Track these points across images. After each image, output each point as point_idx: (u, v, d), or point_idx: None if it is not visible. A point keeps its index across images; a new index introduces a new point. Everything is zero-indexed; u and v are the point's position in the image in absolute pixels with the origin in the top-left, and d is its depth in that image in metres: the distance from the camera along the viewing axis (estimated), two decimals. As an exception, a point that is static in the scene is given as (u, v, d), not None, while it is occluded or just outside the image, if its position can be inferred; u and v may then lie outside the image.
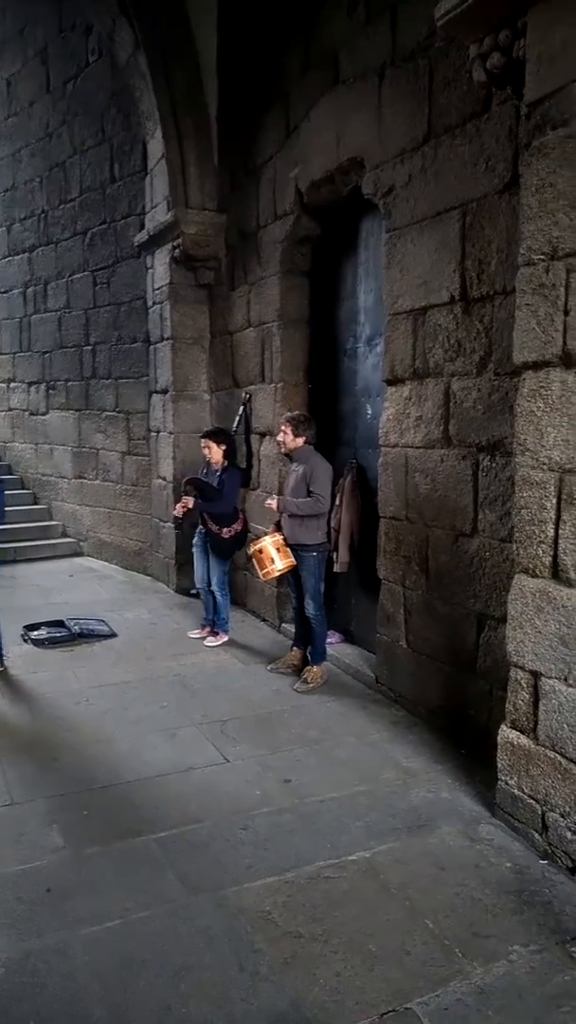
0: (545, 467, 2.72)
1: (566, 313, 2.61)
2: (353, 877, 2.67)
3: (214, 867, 2.73)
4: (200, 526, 5.25)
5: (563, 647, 2.69)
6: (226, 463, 5.15)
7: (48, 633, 5.37)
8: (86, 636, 5.41)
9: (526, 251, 2.74)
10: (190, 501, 5.01)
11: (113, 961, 2.27)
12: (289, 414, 4.60)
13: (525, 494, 2.81)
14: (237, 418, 5.94)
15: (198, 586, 5.42)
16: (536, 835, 2.83)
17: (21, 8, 8.32)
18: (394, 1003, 2.12)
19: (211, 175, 6.14)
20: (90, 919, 2.45)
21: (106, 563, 8.07)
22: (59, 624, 5.53)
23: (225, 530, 5.09)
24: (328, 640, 4.76)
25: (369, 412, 4.74)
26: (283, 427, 4.50)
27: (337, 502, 4.65)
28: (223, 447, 5.15)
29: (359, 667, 4.64)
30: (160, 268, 6.69)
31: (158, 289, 6.78)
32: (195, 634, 5.47)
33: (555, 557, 2.71)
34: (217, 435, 5.22)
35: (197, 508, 5.04)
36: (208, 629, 5.41)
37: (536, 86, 2.64)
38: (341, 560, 4.71)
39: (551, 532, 2.72)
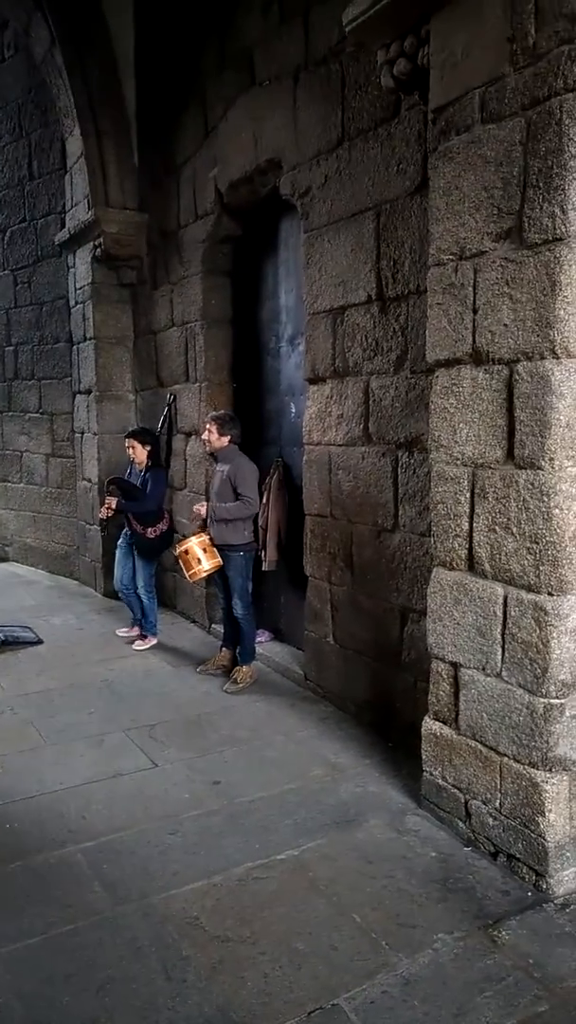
0: (459, 462, 2.79)
1: (475, 312, 2.68)
2: (282, 876, 2.68)
3: (141, 875, 2.70)
4: (126, 527, 5.19)
5: (480, 637, 2.76)
6: (150, 463, 5.13)
7: (-29, 643, 5.21)
8: (11, 643, 5.26)
9: (436, 252, 2.81)
10: (114, 502, 4.96)
11: (36, 978, 2.22)
12: (214, 413, 4.59)
13: (440, 489, 2.88)
14: (162, 418, 5.89)
15: (116, 587, 5.36)
16: (460, 823, 2.91)
17: None
18: (321, 1000, 2.13)
19: (131, 174, 6.07)
20: (12, 936, 2.39)
21: (32, 568, 7.88)
22: (-17, 633, 5.38)
23: (150, 530, 5.06)
24: (257, 639, 4.76)
25: (293, 411, 4.77)
26: (208, 426, 4.48)
27: (264, 501, 4.65)
28: (147, 447, 5.14)
29: (288, 665, 4.67)
30: (82, 267, 6.57)
31: (80, 288, 6.66)
32: (123, 631, 5.41)
33: (470, 550, 2.79)
34: (141, 435, 5.21)
35: (121, 509, 4.99)
36: (136, 627, 5.35)
37: (440, 93, 2.71)
38: (269, 559, 4.72)
39: (466, 526, 2.79)
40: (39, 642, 5.35)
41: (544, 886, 2.58)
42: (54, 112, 6.50)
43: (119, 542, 5.32)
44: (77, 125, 5.96)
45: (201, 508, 4.50)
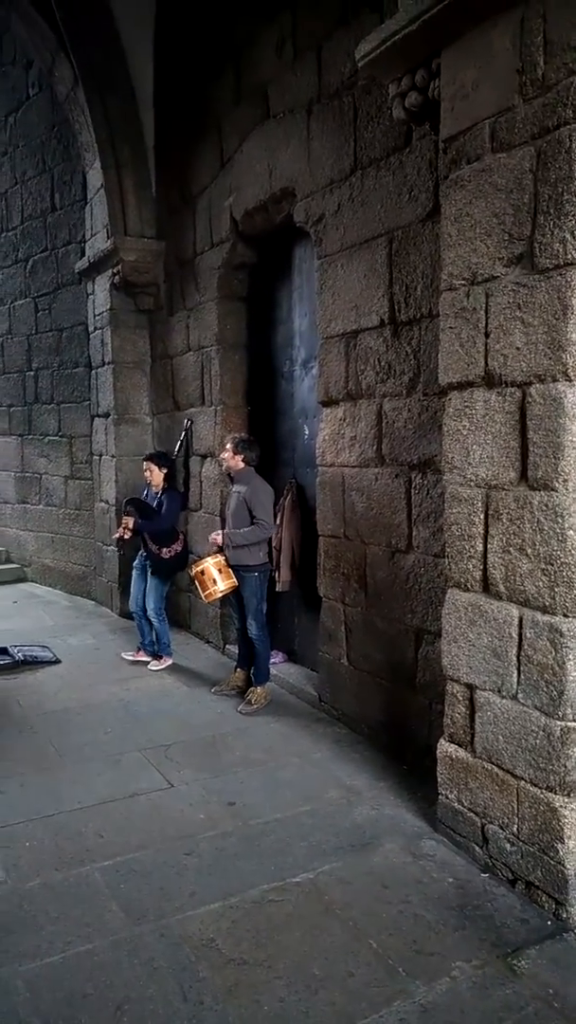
0: (472, 484, 2.81)
1: (487, 335, 2.71)
2: (297, 900, 2.67)
3: (158, 895, 2.70)
4: (142, 548, 5.25)
5: (496, 659, 2.76)
6: (166, 485, 5.23)
7: (-9, 662, 5.26)
8: (30, 663, 5.31)
9: (448, 277, 2.86)
10: (130, 521, 5.05)
11: (55, 997, 2.22)
12: (234, 435, 4.65)
13: (454, 510, 2.90)
14: (179, 442, 5.96)
15: (131, 609, 5.41)
16: (477, 848, 2.88)
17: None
18: (338, 1025, 2.12)
19: (149, 203, 6.22)
20: (32, 954, 2.40)
21: (50, 588, 7.95)
22: (2, 651, 5.41)
23: (165, 550, 5.12)
24: (272, 660, 4.77)
25: (307, 433, 4.82)
26: (226, 447, 4.55)
27: (278, 522, 4.69)
28: (164, 470, 5.25)
29: (302, 686, 4.67)
30: (101, 294, 6.71)
31: (99, 315, 6.79)
32: (129, 655, 5.44)
33: (485, 571, 2.80)
34: (158, 458, 5.33)
35: (138, 529, 5.06)
36: (142, 652, 5.38)
37: (451, 123, 2.77)
38: (283, 579, 4.74)
39: (480, 547, 2.80)
40: (57, 662, 5.40)
41: (564, 915, 2.54)
42: (75, 147, 6.72)
43: (135, 563, 5.39)
44: (98, 158, 6.14)
45: (217, 537, 4.52)
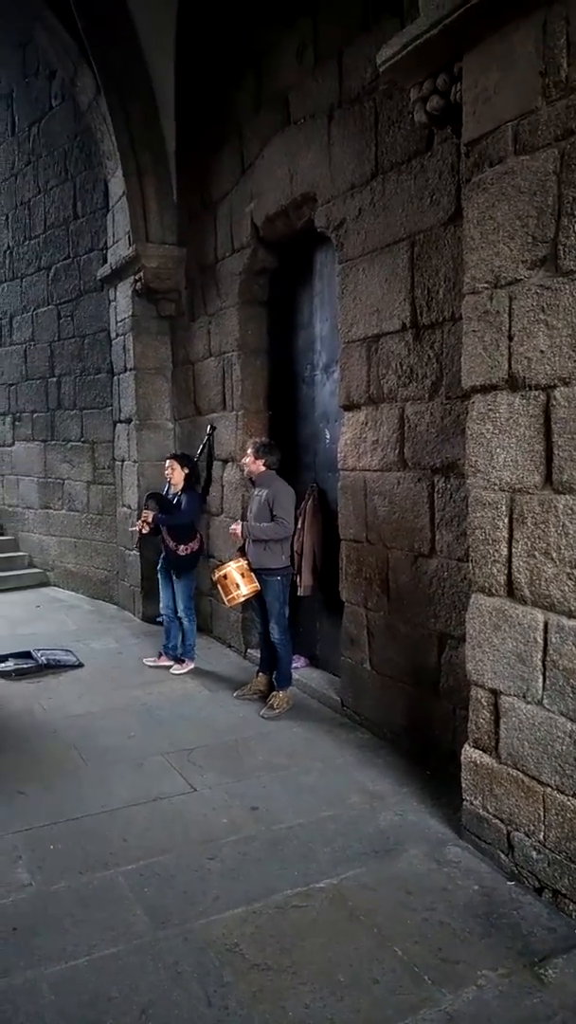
0: (496, 487, 2.80)
1: (510, 339, 2.70)
2: (321, 905, 2.66)
3: (182, 899, 2.71)
4: (163, 551, 5.30)
5: (521, 664, 2.74)
6: (185, 485, 5.30)
7: (15, 665, 5.31)
8: (53, 667, 5.36)
9: (471, 280, 2.84)
10: (150, 515, 5.15)
11: (81, 1000, 2.24)
12: (254, 439, 4.67)
13: (478, 514, 2.88)
14: (200, 447, 6.00)
15: (162, 612, 5.45)
16: (503, 856, 2.85)
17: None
18: (363, 1032, 2.11)
19: (170, 210, 6.26)
20: (57, 957, 2.42)
21: (73, 593, 8.01)
22: (26, 655, 5.48)
23: (182, 547, 5.18)
24: (294, 664, 4.77)
25: (328, 437, 4.82)
26: (247, 451, 4.57)
27: (299, 525, 4.69)
28: (186, 470, 5.31)
29: (325, 691, 4.66)
30: (123, 301, 6.76)
31: (121, 321, 6.84)
32: (150, 661, 5.47)
33: (509, 575, 2.78)
34: (181, 458, 5.43)
35: (157, 521, 5.15)
36: (164, 656, 5.41)
37: (473, 127, 2.76)
38: (304, 583, 4.74)
39: (504, 551, 2.78)
40: (80, 665, 5.44)
41: (592, 923, 2.51)
42: (97, 155, 6.79)
43: (159, 567, 5.44)
44: (119, 166, 6.19)
45: (237, 527, 4.55)
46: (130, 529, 5.99)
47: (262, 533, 4.41)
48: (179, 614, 5.30)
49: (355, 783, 3.58)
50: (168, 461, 5.39)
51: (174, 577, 5.28)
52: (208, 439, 5.96)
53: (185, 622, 5.30)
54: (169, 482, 5.38)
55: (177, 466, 5.31)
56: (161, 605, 5.44)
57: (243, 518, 5.11)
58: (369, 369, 3.97)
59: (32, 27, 6.94)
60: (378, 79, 3.59)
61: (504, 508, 2.77)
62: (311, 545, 4.73)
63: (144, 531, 5.22)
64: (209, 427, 5.96)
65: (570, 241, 2.44)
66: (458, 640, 3.41)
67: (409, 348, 3.69)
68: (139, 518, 5.47)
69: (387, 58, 3.00)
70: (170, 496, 5.35)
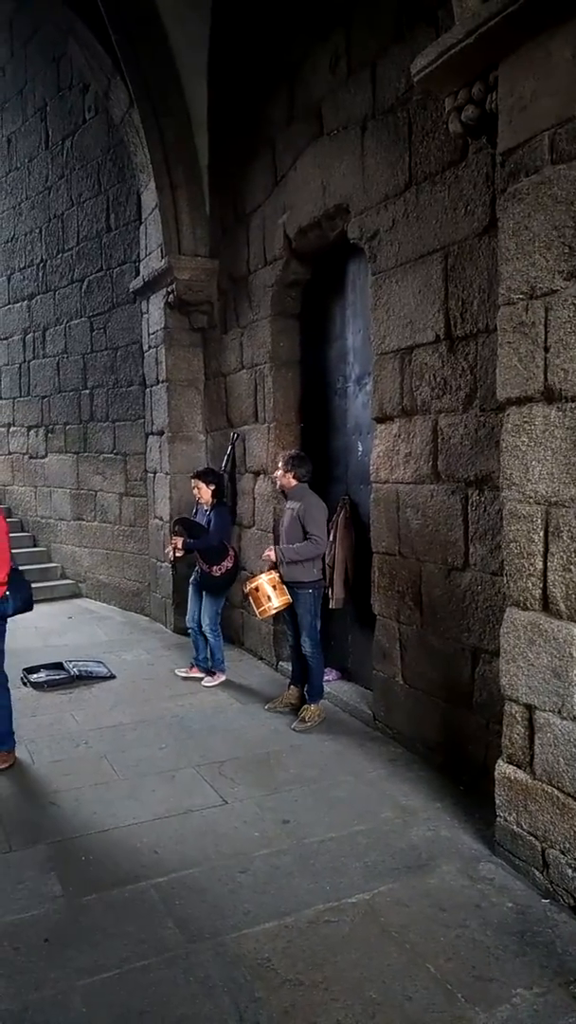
0: (531, 501, 2.76)
1: (546, 350, 2.67)
2: (353, 920, 2.64)
3: (213, 913, 2.69)
4: (196, 565, 5.30)
5: (556, 679, 2.69)
6: (215, 501, 5.27)
7: (47, 676, 5.35)
8: (85, 678, 5.39)
9: (506, 291, 2.82)
10: (179, 541, 5.12)
11: (112, 1013, 2.23)
12: (285, 452, 4.67)
13: (513, 528, 2.85)
14: (225, 457, 6.02)
15: (188, 624, 5.45)
16: (537, 873, 2.80)
17: (21, 69, 8.66)
18: (396, 1051, 2.08)
19: (203, 223, 6.32)
20: (89, 969, 2.42)
21: (105, 604, 8.08)
22: (58, 666, 5.52)
23: (215, 568, 5.16)
24: (325, 678, 4.74)
25: (360, 449, 4.80)
26: (279, 464, 4.57)
27: (331, 538, 4.68)
28: (212, 487, 5.28)
29: (356, 704, 4.62)
30: (155, 313, 6.83)
31: (153, 333, 6.91)
32: (182, 672, 5.48)
33: (544, 590, 2.73)
34: (205, 475, 5.35)
35: (187, 548, 5.12)
36: (195, 668, 5.41)
37: (509, 136, 2.75)
38: (336, 596, 4.72)
39: (540, 565, 2.74)
40: (111, 677, 5.47)
41: (630, 944, 2.45)
42: (130, 168, 6.89)
43: (191, 579, 5.44)
44: (152, 179, 6.27)
45: (270, 553, 4.52)
46: (165, 551, 6.02)
47: (296, 555, 4.39)
48: (203, 629, 5.29)
49: (387, 797, 3.54)
50: (193, 481, 5.33)
51: (204, 592, 5.28)
52: (232, 449, 5.98)
53: (210, 638, 5.28)
54: (198, 502, 5.37)
55: (202, 485, 5.26)
56: (187, 617, 5.44)
57: (274, 531, 5.11)
58: (402, 381, 3.96)
59: (66, 41, 7.07)
60: (412, 89, 3.60)
61: (539, 521, 2.73)
62: (343, 558, 4.71)
63: (172, 557, 5.22)
64: (234, 435, 5.98)
65: (608, 250, 2.41)
66: (492, 654, 3.36)
67: (443, 360, 3.66)
68: (170, 534, 5.49)
69: (421, 67, 3.00)
70: (201, 513, 5.32)
